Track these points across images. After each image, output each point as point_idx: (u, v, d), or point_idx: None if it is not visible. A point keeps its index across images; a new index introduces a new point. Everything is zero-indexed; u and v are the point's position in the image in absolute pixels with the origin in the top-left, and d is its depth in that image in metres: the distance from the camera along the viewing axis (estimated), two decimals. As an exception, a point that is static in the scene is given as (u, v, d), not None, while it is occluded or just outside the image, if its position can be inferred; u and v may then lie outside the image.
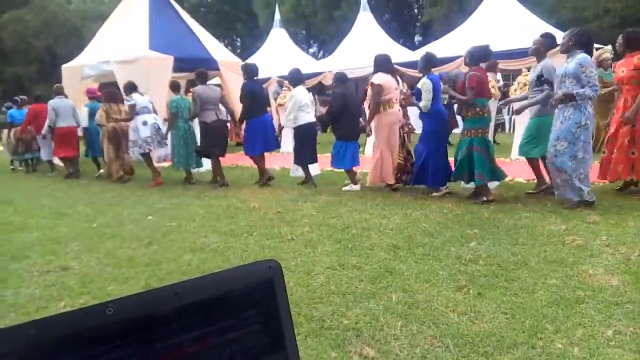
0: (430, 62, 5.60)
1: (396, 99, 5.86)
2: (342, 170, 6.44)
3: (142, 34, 9.80)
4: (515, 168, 6.73)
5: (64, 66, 11.13)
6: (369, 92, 5.91)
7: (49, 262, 3.88)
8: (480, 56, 5.24)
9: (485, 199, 5.11)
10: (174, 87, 7.25)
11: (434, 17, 23.45)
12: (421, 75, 5.60)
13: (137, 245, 4.23)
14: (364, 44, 14.92)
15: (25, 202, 6.63)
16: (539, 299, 2.74)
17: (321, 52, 29.06)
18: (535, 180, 5.46)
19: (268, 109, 8.85)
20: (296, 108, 6.35)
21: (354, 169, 6.36)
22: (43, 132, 8.68)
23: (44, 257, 4.04)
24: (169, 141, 7.42)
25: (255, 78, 6.68)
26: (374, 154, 6.05)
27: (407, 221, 4.57)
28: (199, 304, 0.55)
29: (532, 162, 5.35)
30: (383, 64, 5.84)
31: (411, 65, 13.02)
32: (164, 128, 7.37)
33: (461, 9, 19.87)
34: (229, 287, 0.57)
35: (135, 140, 7.15)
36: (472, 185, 5.34)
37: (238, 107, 7.19)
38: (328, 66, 14.80)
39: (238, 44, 36.23)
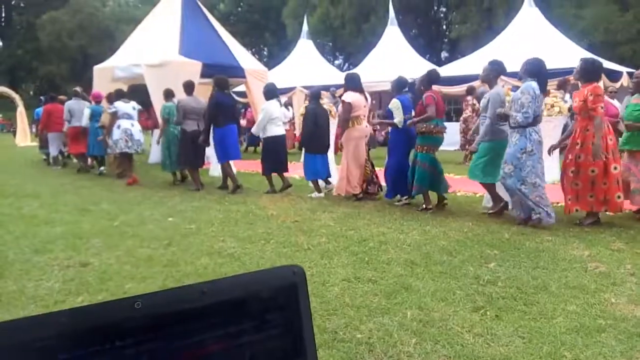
0: (402, 85, 6.13)
1: (364, 116, 6.23)
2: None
3: (173, 39, 10.02)
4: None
5: (95, 67, 11.45)
6: (339, 109, 6.28)
7: (69, 257, 3.97)
8: (432, 80, 5.78)
9: (424, 206, 5.63)
10: (167, 94, 7.72)
11: (462, 34, 23.40)
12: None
13: (157, 246, 4.29)
14: (390, 58, 14.97)
15: (50, 196, 6.79)
16: (558, 325, 2.67)
17: (346, 65, 29.22)
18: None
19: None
20: (266, 120, 6.64)
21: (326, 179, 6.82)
22: (64, 129, 9.55)
23: (66, 251, 4.13)
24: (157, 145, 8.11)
25: (225, 90, 6.99)
26: (341, 166, 6.35)
27: (425, 237, 4.53)
28: (224, 304, 0.56)
29: (485, 186, 5.43)
30: (353, 82, 6.24)
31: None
32: (140, 135, 8.04)
33: (490, 27, 19.78)
34: (254, 289, 0.58)
35: (109, 142, 7.97)
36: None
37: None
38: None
39: (265, 52, 36.73)
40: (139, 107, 8.31)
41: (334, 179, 7.06)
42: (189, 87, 7.24)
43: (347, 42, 27.84)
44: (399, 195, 6.12)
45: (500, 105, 5.00)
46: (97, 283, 3.40)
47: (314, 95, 6.81)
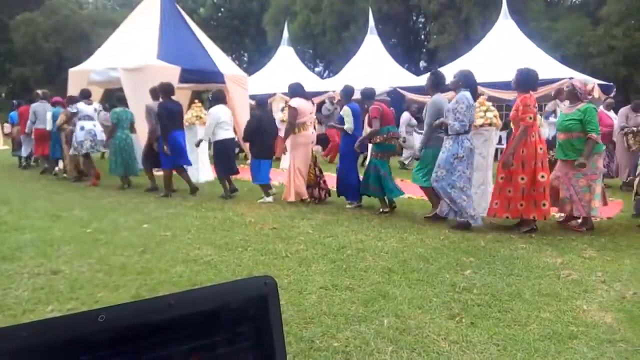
0: (349, 94, 6.51)
1: (310, 122, 6.54)
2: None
3: (151, 43, 9.89)
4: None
5: (71, 70, 11.21)
6: (286, 113, 6.66)
7: (39, 265, 3.85)
8: (370, 94, 6.22)
9: (381, 210, 5.98)
10: (119, 99, 8.14)
11: (440, 45, 23.75)
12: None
13: (131, 253, 4.20)
14: (370, 66, 15.09)
15: (20, 202, 6.60)
16: (531, 332, 2.71)
17: (327, 72, 29.33)
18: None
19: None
20: (214, 124, 6.84)
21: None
22: (26, 130, 9.91)
23: (36, 259, 4.01)
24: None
25: (171, 97, 7.11)
26: (288, 172, 6.58)
27: (403, 245, 4.55)
28: (192, 317, 0.54)
29: (425, 190, 5.70)
30: (298, 90, 6.52)
31: (415, 90, 13.18)
32: (102, 135, 8.25)
33: (467, 38, 20.14)
34: (223, 301, 0.57)
35: (73, 143, 8.14)
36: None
37: (242, 122, 7.42)
38: (332, 86, 14.94)
39: (245, 58, 36.58)
40: (101, 109, 8.58)
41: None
42: (154, 93, 7.38)
43: (327, 50, 27.94)
44: (348, 200, 6.42)
45: (436, 112, 5.29)
46: (67, 291, 3.31)
47: (260, 102, 7.11)
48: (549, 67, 11.82)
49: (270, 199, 6.72)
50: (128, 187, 7.88)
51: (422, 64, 29.48)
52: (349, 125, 6.21)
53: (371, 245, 4.53)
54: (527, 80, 4.98)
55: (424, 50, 30.07)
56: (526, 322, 2.84)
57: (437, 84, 5.56)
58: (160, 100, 7.08)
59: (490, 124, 5.83)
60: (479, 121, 5.78)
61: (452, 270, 3.81)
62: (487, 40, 13.83)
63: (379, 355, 2.43)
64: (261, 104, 7.08)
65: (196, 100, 9.93)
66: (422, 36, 30.78)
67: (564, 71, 11.81)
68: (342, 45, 25.39)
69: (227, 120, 6.96)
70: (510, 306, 3.08)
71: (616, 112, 8.60)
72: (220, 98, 7.14)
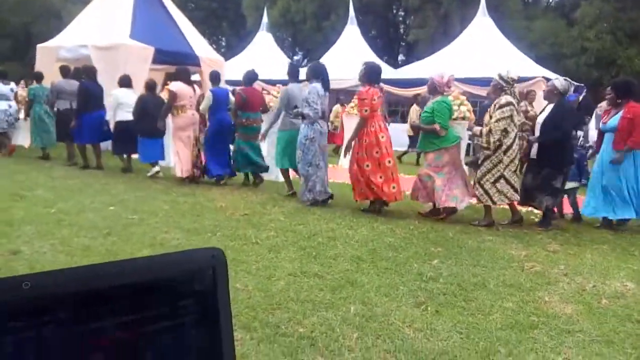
0: (216, 79, 6.98)
1: (190, 105, 6.86)
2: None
3: (124, 21, 9.61)
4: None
5: (39, 46, 10.81)
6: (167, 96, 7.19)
7: (-2, 245, 3.71)
8: (251, 79, 6.74)
9: (256, 181, 6.82)
10: (36, 77, 8.63)
11: (419, 38, 23.87)
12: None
13: (95, 235, 4.08)
14: (348, 57, 15.02)
15: (-19, 180, 6.34)
16: (494, 321, 2.76)
17: (305, 60, 29.13)
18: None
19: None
20: (115, 105, 7.38)
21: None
22: None
23: (-6, 238, 3.85)
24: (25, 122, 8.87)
25: (93, 79, 7.59)
26: (174, 151, 6.98)
27: (373, 234, 4.57)
28: (129, 287, 0.50)
29: (283, 171, 6.22)
30: (182, 74, 6.99)
31: (393, 82, 13.21)
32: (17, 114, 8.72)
33: (446, 33, 20.28)
34: (165, 273, 0.53)
35: None
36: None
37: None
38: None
39: (223, 42, 35.97)
40: (17, 88, 8.77)
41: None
42: (63, 71, 7.90)
43: (307, 38, 27.72)
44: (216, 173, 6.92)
45: (286, 99, 5.91)
46: (26, 273, 3.19)
47: (149, 85, 7.39)
48: (523, 65, 12.01)
49: (157, 168, 7.18)
50: (47, 159, 8.39)
51: (400, 57, 29.58)
52: (202, 106, 6.81)
53: (342, 233, 4.53)
54: (370, 75, 5.29)
55: (403, 43, 30.18)
56: (489, 312, 2.89)
57: (293, 74, 6.20)
58: (82, 81, 7.54)
59: (463, 118, 5.90)
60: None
61: (420, 259, 3.84)
62: (465, 36, 13.97)
63: (344, 341, 2.43)
64: (150, 88, 7.35)
65: (169, 82, 9.72)
66: (402, 29, 30.85)
67: (538, 70, 12.03)
68: (322, 34, 25.24)
69: (127, 102, 7.27)
70: (474, 295, 3.13)
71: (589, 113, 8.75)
72: (126, 82, 7.52)
